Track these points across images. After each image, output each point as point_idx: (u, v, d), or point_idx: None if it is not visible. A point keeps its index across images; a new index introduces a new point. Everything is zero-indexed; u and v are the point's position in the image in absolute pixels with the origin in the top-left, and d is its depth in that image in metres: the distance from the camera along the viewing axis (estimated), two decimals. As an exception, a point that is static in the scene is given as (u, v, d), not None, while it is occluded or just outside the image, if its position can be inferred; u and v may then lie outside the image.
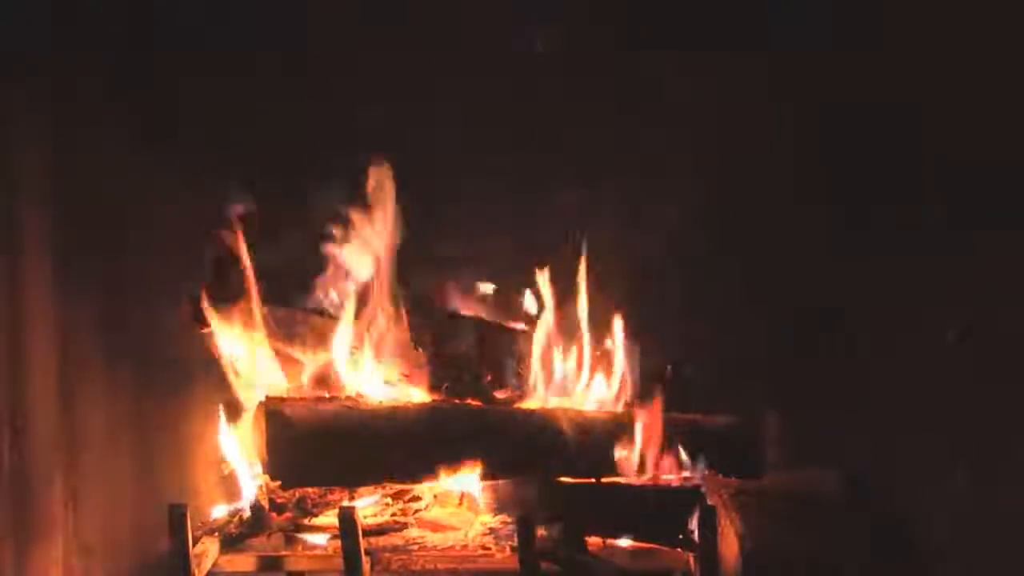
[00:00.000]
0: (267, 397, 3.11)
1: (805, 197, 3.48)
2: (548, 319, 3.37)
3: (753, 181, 3.50)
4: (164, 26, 3.38)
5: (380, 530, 3.11)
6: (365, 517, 3.09)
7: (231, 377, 3.26)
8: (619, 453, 3.13)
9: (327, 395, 3.18)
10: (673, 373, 3.37)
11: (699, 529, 2.84)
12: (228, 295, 3.23)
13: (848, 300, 3.45)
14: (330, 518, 3.08)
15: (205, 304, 3.22)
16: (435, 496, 3.26)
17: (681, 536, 2.91)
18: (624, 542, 3.02)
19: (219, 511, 3.21)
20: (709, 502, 2.91)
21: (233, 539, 3.07)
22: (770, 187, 3.50)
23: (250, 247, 3.25)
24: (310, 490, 3.13)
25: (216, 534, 3.05)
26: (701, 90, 3.48)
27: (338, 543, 2.94)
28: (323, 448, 3.02)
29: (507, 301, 3.44)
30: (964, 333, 3.21)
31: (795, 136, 3.48)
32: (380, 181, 3.32)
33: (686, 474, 3.13)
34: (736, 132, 3.48)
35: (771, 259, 3.50)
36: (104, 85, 3.31)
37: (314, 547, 3.07)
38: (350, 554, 2.89)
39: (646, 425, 3.14)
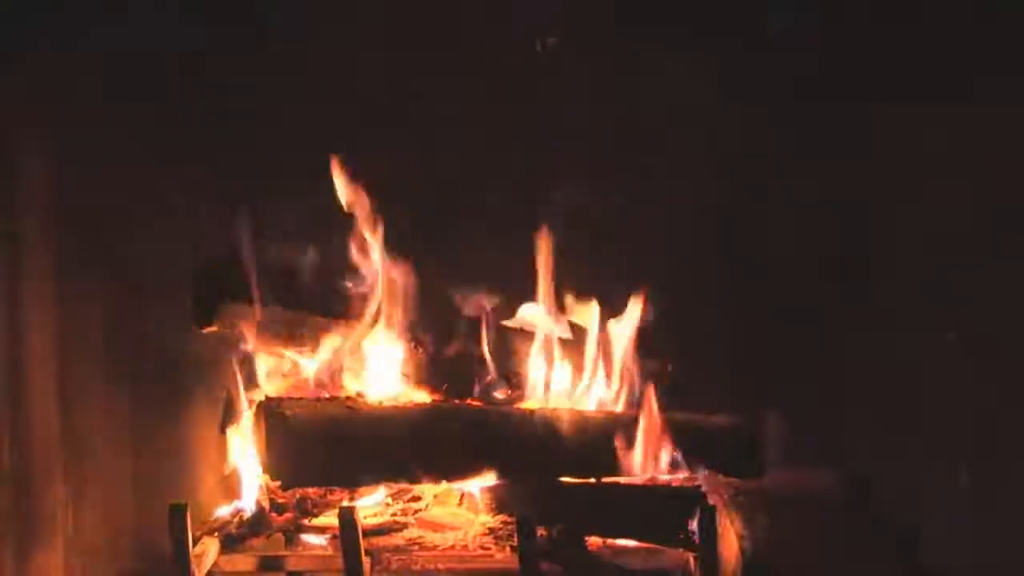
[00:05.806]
0: (266, 397, 3.10)
1: (805, 196, 3.48)
2: (548, 320, 3.36)
3: (752, 181, 3.50)
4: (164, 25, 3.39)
5: (380, 530, 3.10)
6: (365, 517, 3.09)
7: (231, 377, 3.25)
8: (619, 453, 3.13)
9: (327, 395, 3.18)
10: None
11: (699, 529, 2.84)
12: (227, 295, 3.22)
13: (848, 299, 3.45)
14: (330, 518, 3.08)
15: (205, 304, 3.22)
16: (435, 496, 3.26)
17: (681, 536, 2.90)
18: (624, 542, 3.02)
19: (219, 511, 3.21)
20: (709, 502, 2.90)
21: (233, 539, 3.06)
22: (769, 186, 3.50)
23: (253, 247, 3.25)
24: (310, 490, 3.13)
25: (216, 534, 3.05)
26: (699, 91, 3.49)
27: (338, 543, 2.94)
28: (323, 448, 3.02)
29: (507, 302, 3.43)
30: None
31: (795, 134, 3.49)
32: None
33: (686, 474, 3.13)
34: (735, 131, 3.49)
35: (771, 258, 3.50)
36: (105, 84, 3.31)
37: (314, 547, 3.07)
38: (350, 554, 2.89)
39: (646, 425, 3.14)
